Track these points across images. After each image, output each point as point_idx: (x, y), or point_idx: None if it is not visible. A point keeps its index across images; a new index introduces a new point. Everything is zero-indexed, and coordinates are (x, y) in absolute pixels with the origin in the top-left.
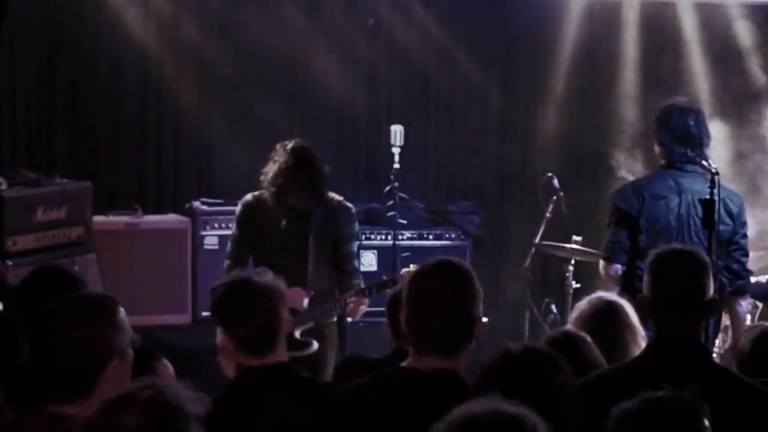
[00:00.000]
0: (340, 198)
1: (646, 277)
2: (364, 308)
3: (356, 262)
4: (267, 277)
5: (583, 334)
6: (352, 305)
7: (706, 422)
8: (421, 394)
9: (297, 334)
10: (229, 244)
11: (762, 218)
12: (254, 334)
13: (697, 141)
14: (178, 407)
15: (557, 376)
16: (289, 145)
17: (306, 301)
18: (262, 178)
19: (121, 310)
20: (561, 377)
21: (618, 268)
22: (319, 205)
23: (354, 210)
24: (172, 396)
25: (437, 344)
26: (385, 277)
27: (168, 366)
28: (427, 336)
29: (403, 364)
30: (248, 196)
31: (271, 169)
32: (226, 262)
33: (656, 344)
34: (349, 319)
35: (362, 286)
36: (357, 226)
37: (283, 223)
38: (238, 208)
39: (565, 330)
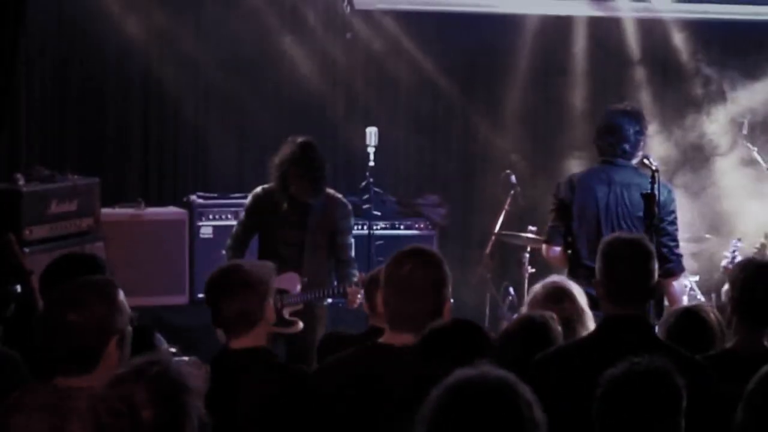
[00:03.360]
0: (339, 195)
1: (598, 263)
2: (360, 297)
3: (351, 253)
4: (258, 266)
5: (550, 313)
6: (350, 296)
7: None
8: (396, 367)
9: (286, 313)
10: (234, 227)
11: (702, 211)
12: (232, 316)
13: (619, 132)
14: (181, 383)
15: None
16: (298, 139)
17: (298, 286)
18: (270, 166)
19: (120, 292)
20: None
21: (556, 249)
22: (319, 199)
23: (350, 206)
24: (176, 372)
25: (411, 323)
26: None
27: (162, 341)
28: (402, 315)
29: (379, 340)
30: (258, 189)
31: (278, 159)
32: (228, 242)
33: (607, 322)
34: (330, 301)
35: (357, 274)
36: (352, 220)
37: (285, 210)
38: (248, 199)
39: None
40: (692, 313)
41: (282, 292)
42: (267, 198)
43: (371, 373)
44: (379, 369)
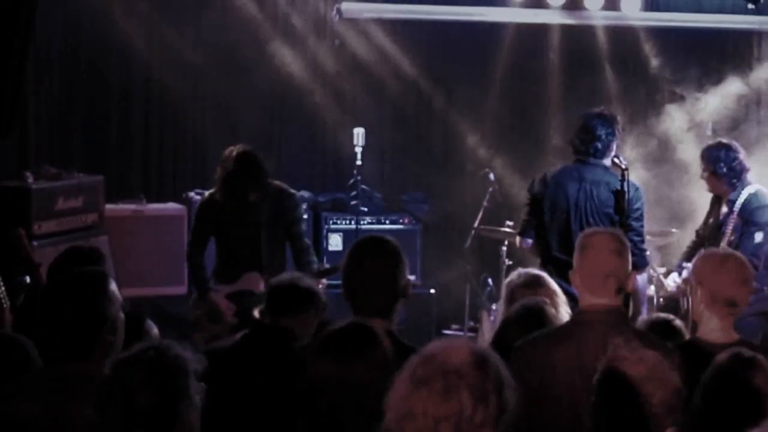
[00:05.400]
0: (284, 186)
1: (575, 255)
2: (322, 286)
3: (307, 240)
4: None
5: (543, 299)
6: None
7: None
8: None
9: (255, 313)
10: (190, 235)
11: (669, 207)
12: None
13: (592, 133)
14: (179, 366)
15: None
16: (234, 151)
17: (262, 285)
18: (215, 180)
19: (112, 282)
20: None
21: (529, 241)
22: (266, 195)
23: (297, 195)
24: (174, 356)
25: (373, 308)
26: (327, 266)
27: (153, 327)
28: (364, 300)
29: None
30: (204, 195)
31: (220, 175)
32: (188, 249)
33: (583, 311)
34: None
35: (316, 261)
36: (302, 208)
37: (236, 217)
38: (196, 207)
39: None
40: (665, 322)
41: (247, 294)
42: (214, 203)
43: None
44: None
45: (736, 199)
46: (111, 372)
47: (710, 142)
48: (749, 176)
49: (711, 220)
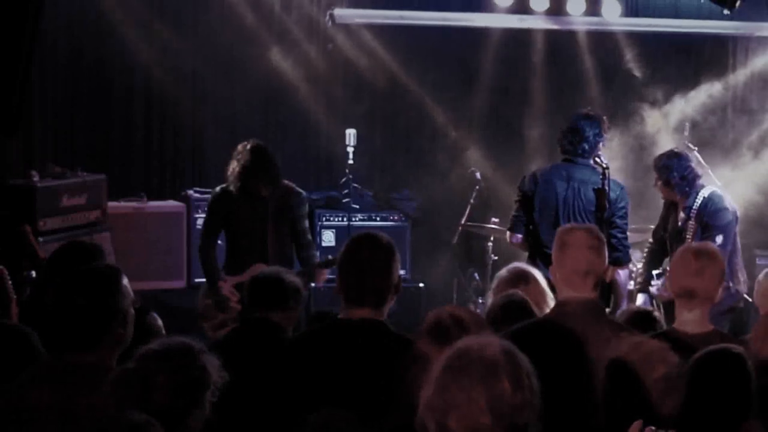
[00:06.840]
0: (292, 184)
1: (553, 250)
2: (325, 276)
3: (309, 236)
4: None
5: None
6: (318, 276)
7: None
8: (354, 340)
9: None
10: (201, 228)
11: (648, 205)
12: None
13: (580, 134)
14: (204, 379)
15: None
16: (248, 145)
17: None
18: (228, 174)
19: (124, 277)
20: None
21: (519, 237)
22: (275, 192)
23: (304, 194)
24: (201, 367)
25: (366, 298)
26: (329, 257)
27: (157, 319)
28: (358, 292)
29: (339, 317)
30: (217, 189)
31: (235, 167)
32: (199, 242)
33: (562, 304)
34: (313, 284)
35: (317, 256)
36: (307, 206)
37: (246, 210)
38: (209, 200)
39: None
40: (645, 314)
41: None
42: (226, 197)
43: (331, 348)
44: (338, 343)
45: (692, 205)
46: (137, 362)
47: (687, 141)
48: (713, 177)
49: (670, 226)
